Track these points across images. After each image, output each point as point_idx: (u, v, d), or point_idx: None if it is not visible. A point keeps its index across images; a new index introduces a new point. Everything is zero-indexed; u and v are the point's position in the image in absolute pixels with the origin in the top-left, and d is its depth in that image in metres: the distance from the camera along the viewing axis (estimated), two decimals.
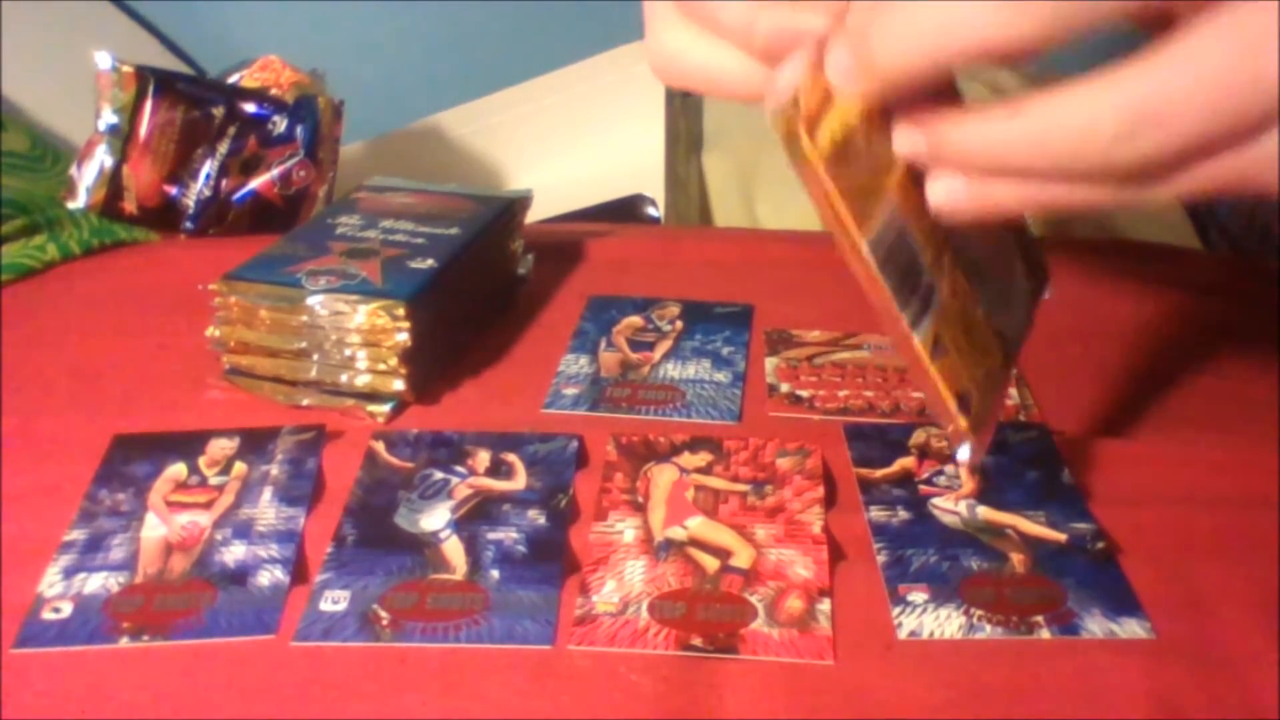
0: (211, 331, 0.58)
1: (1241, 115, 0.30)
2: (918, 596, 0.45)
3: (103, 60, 0.80)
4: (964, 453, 0.42)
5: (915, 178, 0.37)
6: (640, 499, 0.50)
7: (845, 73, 0.33)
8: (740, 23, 0.36)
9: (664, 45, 0.39)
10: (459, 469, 0.52)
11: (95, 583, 0.46)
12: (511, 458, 0.53)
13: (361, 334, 0.56)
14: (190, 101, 0.81)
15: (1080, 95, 0.31)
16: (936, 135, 0.34)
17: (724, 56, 0.37)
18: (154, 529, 0.49)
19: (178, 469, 0.52)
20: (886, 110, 0.36)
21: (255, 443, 0.54)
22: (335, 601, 0.45)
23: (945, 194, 0.35)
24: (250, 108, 0.82)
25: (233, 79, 0.87)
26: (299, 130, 0.83)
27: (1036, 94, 0.32)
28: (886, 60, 0.32)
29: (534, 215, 0.72)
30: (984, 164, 0.34)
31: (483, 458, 0.53)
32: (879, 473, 0.52)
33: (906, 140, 0.35)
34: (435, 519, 0.49)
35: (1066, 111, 0.31)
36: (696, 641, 0.43)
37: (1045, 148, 0.32)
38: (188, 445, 0.54)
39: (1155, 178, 0.32)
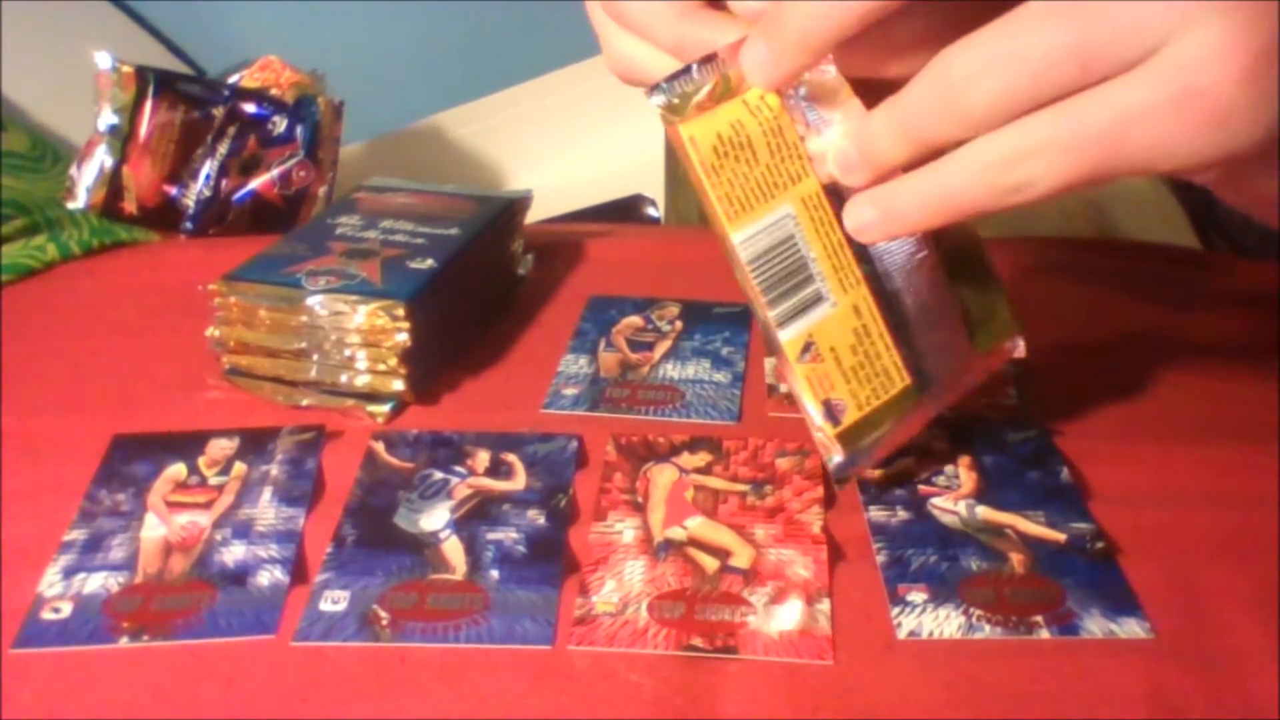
0: (211, 331, 0.58)
1: (1056, 83, 0.33)
2: (917, 596, 0.45)
3: (103, 60, 0.80)
4: (831, 463, 0.45)
5: (835, 196, 0.41)
6: (640, 499, 0.50)
7: (759, 63, 0.38)
8: (671, 40, 0.41)
9: (615, 51, 0.43)
10: (459, 469, 0.52)
11: (95, 583, 0.46)
12: (511, 458, 0.53)
13: (361, 334, 0.56)
14: (190, 101, 0.81)
15: (944, 56, 0.35)
16: (861, 128, 0.39)
17: (667, 60, 0.42)
18: (154, 529, 0.49)
19: (177, 469, 0.52)
20: (798, 125, 0.41)
21: (255, 443, 0.54)
22: (335, 601, 0.45)
23: (855, 219, 0.40)
24: (250, 108, 0.82)
25: (233, 79, 0.87)
26: (299, 130, 0.83)
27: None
28: (796, 38, 0.36)
29: (534, 215, 0.72)
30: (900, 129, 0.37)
31: (482, 458, 0.53)
32: (878, 473, 0.52)
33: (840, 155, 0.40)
34: (435, 519, 0.49)
35: (933, 71, 0.35)
36: (696, 641, 0.43)
37: (927, 104, 0.36)
38: (187, 445, 0.54)
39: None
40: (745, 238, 0.41)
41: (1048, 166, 0.34)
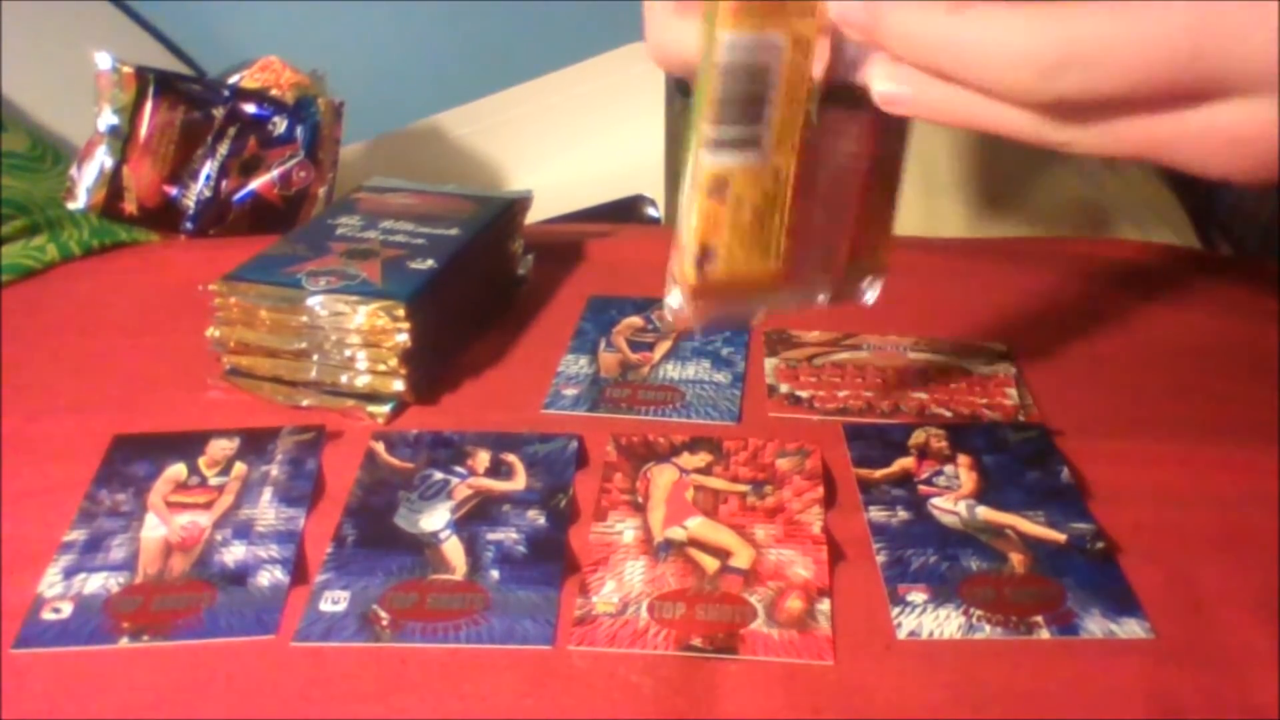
0: (211, 332, 0.58)
1: (1171, 82, 0.30)
2: (917, 596, 0.45)
3: (103, 60, 0.80)
4: (672, 299, 0.44)
5: (828, 44, 0.39)
6: (640, 499, 0.50)
7: None
8: None
9: (661, 38, 0.42)
10: (459, 469, 0.52)
11: (95, 583, 0.46)
12: (511, 458, 0.53)
13: (361, 334, 0.56)
14: (190, 102, 0.81)
15: (1022, 17, 0.31)
16: (876, 11, 0.35)
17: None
18: (154, 529, 0.49)
19: (178, 469, 0.52)
20: None
21: (255, 443, 0.54)
22: (335, 602, 0.45)
23: (885, 81, 0.36)
24: (250, 108, 0.82)
25: (233, 79, 0.87)
26: (299, 131, 0.83)
27: (982, 2, 0.32)
28: None
29: (534, 215, 0.72)
30: (911, 53, 0.34)
31: (483, 458, 0.53)
32: (878, 473, 0.52)
33: (845, 8, 0.35)
34: (435, 519, 0.49)
35: (1006, 28, 0.31)
36: (696, 642, 0.43)
37: (976, 57, 0.32)
38: (188, 445, 0.54)
39: (1076, 119, 0.32)
40: (732, 42, 0.39)
41: (1084, 76, 0.31)
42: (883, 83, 0.36)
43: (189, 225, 0.81)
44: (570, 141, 1.06)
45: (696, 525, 0.49)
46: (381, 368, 0.56)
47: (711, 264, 0.43)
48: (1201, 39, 0.29)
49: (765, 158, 0.41)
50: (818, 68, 0.39)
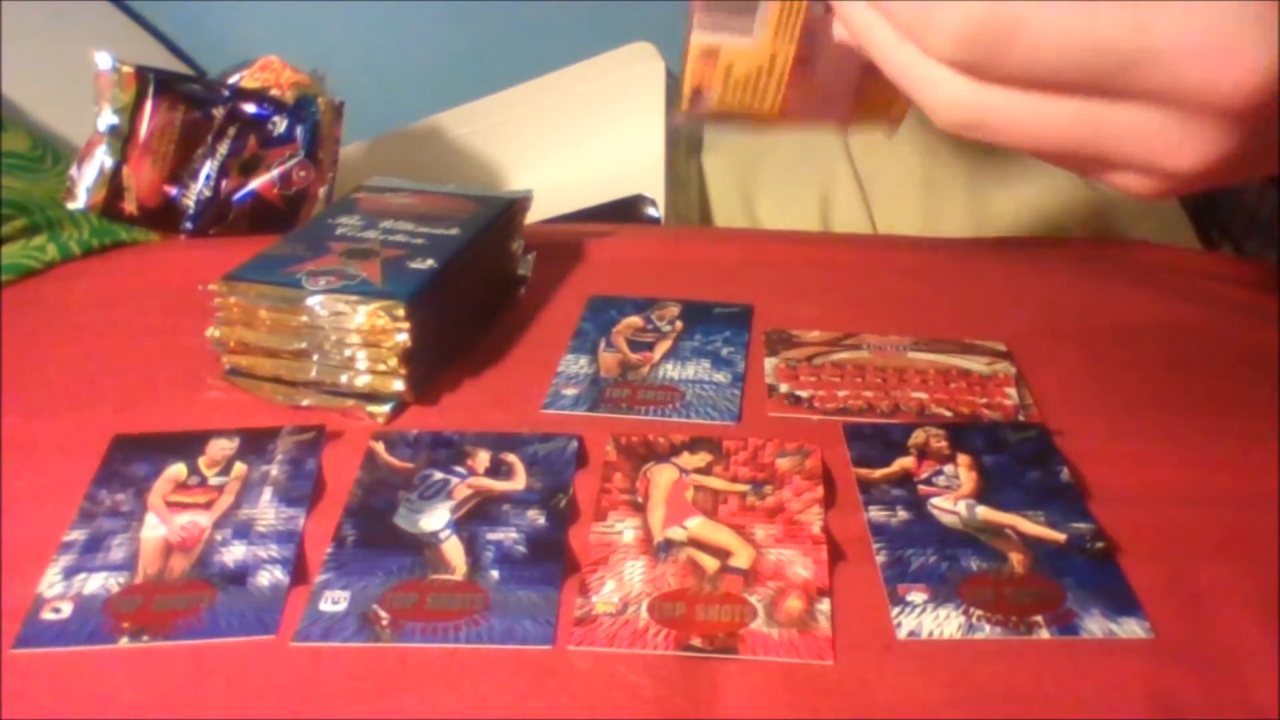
0: (211, 331, 0.58)
1: (1109, 71, 0.31)
2: (917, 596, 0.45)
3: (103, 60, 0.80)
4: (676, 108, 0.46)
5: None
6: (640, 499, 0.50)
7: None
8: None
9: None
10: (459, 469, 0.52)
11: (95, 583, 0.46)
12: (511, 458, 0.53)
13: (361, 334, 0.56)
14: (190, 102, 0.81)
15: None
16: None
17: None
18: (154, 529, 0.49)
19: (178, 469, 0.52)
20: None
21: (255, 443, 0.54)
22: (335, 602, 0.45)
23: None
24: (250, 108, 0.82)
25: (233, 79, 0.87)
26: (299, 131, 0.83)
27: None
28: None
29: (534, 215, 0.72)
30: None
31: (482, 458, 0.53)
32: (878, 473, 0.52)
33: None
34: (435, 519, 0.49)
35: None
36: (696, 642, 0.43)
37: (910, 20, 0.34)
38: (188, 445, 0.54)
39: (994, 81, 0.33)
40: None
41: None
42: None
43: (189, 225, 0.81)
44: (570, 141, 1.06)
45: (696, 525, 0.49)
46: (381, 368, 0.56)
47: (704, 102, 0.46)
48: (1138, 49, 0.30)
49: (756, 41, 0.44)
50: None
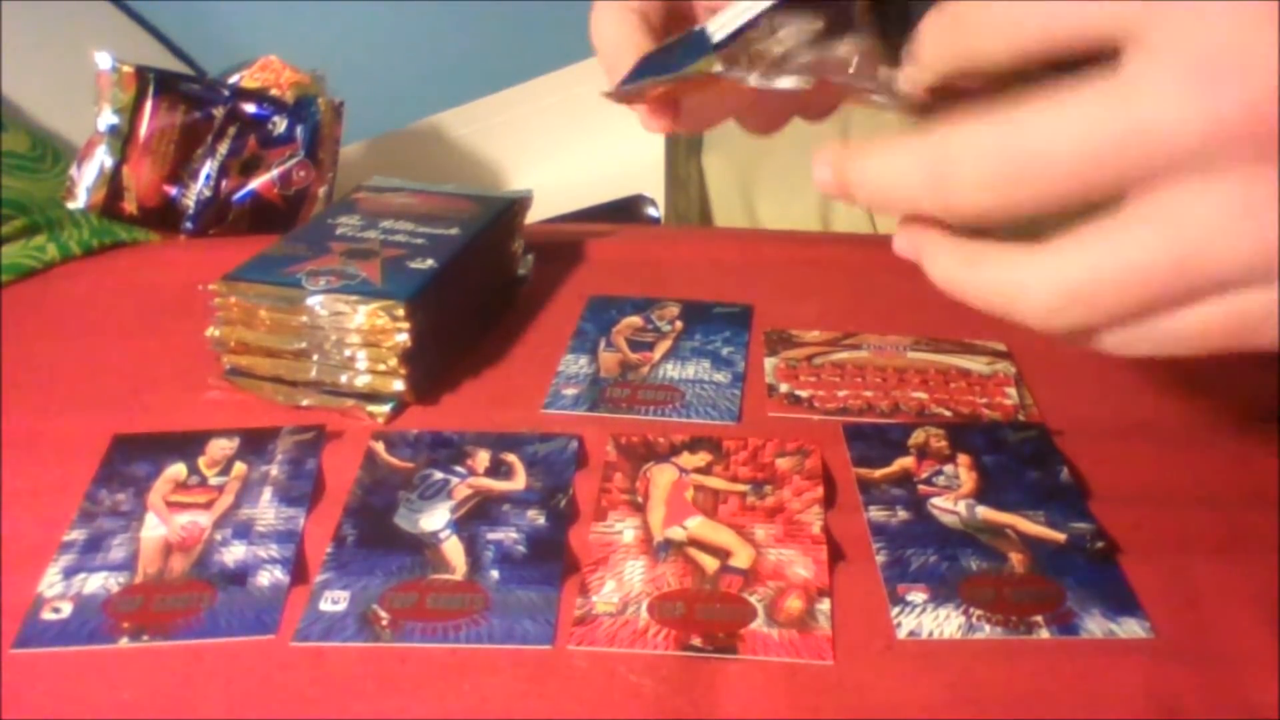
0: (211, 331, 0.58)
1: (1167, 294, 0.31)
2: (917, 596, 0.45)
3: (103, 60, 0.80)
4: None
5: None
6: (640, 499, 0.50)
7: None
8: None
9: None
10: (459, 469, 0.52)
11: (95, 583, 0.46)
12: (511, 458, 0.53)
13: (361, 334, 0.56)
14: (190, 102, 0.81)
15: (1020, 265, 0.32)
16: (918, 242, 0.35)
17: None
18: (154, 529, 0.49)
19: (178, 469, 0.52)
20: None
21: (255, 443, 0.54)
22: (335, 601, 0.45)
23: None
24: (250, 108, 0.82)
25: (233, 79, 0.87)
26: (299, 130, 0.83)
27: (981, 244, 0.34)
28: None
29: (534, 215, 0.72)
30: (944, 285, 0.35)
31: (482, 458, 0.53)
32: (878, 473, 0.52)
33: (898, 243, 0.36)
34: (435, 519, 0.49)
35: (1005, 278, 0.33)
36: (696, 641, 0.43)
37: (982, 295, 0.33)
38: (188, 445, 0.54)
39: (1101, 332, 0.33)
40: None
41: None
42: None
43: (189, 225, 0.81)
44: (570, 141, 1.06)
45: (696, 525, 0.49)
46: (381, 367, 0.56)
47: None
48: (1182, 251, 0.30)
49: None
50: None
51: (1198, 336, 0.33)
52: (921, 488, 0.51)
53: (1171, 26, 0.28)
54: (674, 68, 0.41)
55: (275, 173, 0.82)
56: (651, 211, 0.91)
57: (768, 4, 0.38)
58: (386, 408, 0.57)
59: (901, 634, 0.43)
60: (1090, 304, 0.32)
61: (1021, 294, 0.32)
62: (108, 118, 0.80)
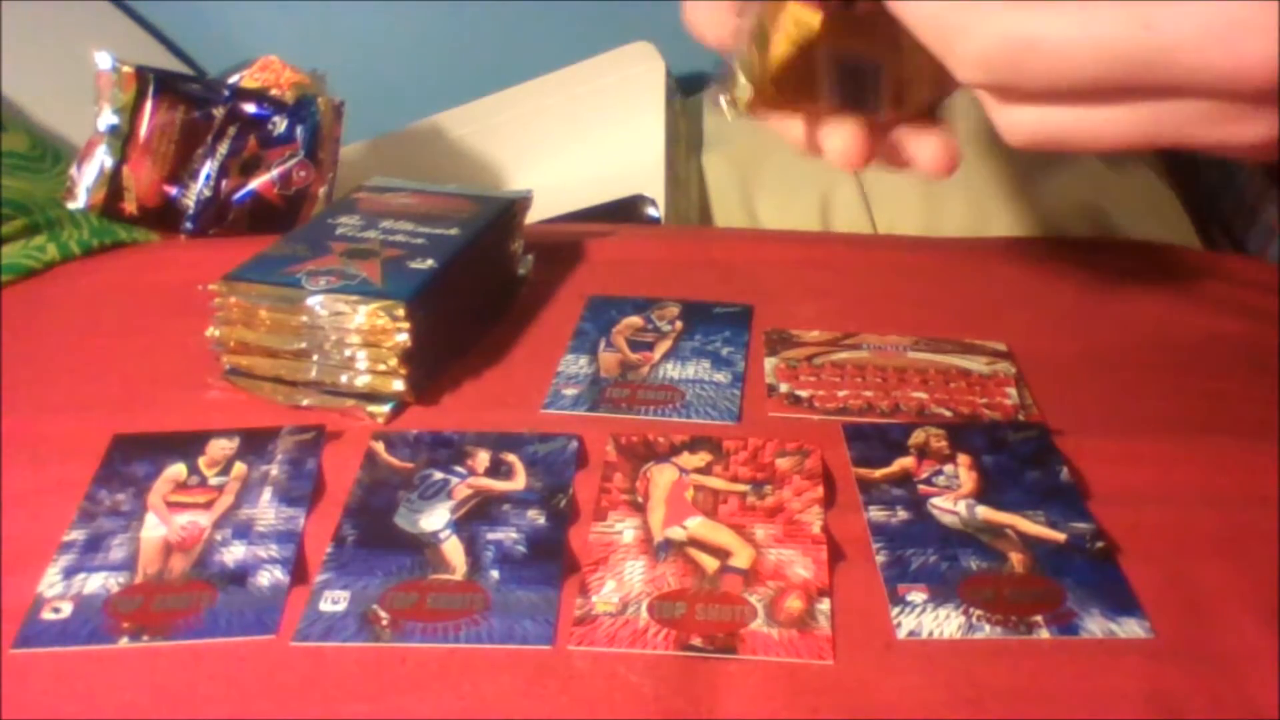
0: (211, 331, 0.58)
1: (1112, 81, 0.31)
2: (917, 596, 0.45)
3: (103, 60, 0.80)
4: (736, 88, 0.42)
5: None
6: (640, 499, 0.50)
7: None
8: None
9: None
10: (459, 469, 0.52)
11: (95, 583, 0.46)
12: (511, 458, 0.53)
13: (361, 334, 0.56)
14: (190, 102, 0.81)
15: (970, 8, 0.32)
16: None
17: None
18: (154, 529, 0.49)
19: (177, 469, 0.52)
20: None
21: (255, 443, 0.54)
22: (335, 601, 0.45)
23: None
24: (250, 108, 0.82)
25: (233, 79, 0.87)
26: (299, 130, 0.83)
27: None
28: None
29: (534, 215, 0.72)
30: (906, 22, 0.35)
31: (482, 458, 0.53)
32: (878, 473, 0.52)
33: None
34: (435, 519, 0.49)
35: (952, 18, 0.33)
36: (696, 642, 0.43)
37: (922, 24, 0.34)
38: (188, 445, 0.54)
39: (1003, 100, 0.34)
40: None
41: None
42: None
43: (189, 225, 0.81)
44: (570, 141, 1.06)
45: (696, 525, 0.49)
46: (381, 368, 0.56)
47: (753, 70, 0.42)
48: (1152, 44, 0.30)
49: None
50: None
51: (1119, 136, 0.33)
52: (921, 488, 0.51)
53: None
54: None
55: (275, 173, 0.82)
56: (651, 211, 0.91)
57: None
58: (386, 408, 0.57)
59: (901, 634, 0.43)
60: (1025, 68, 0.32)
61: (961, 36, 0.32)
62: (108, 118, 0.80)
